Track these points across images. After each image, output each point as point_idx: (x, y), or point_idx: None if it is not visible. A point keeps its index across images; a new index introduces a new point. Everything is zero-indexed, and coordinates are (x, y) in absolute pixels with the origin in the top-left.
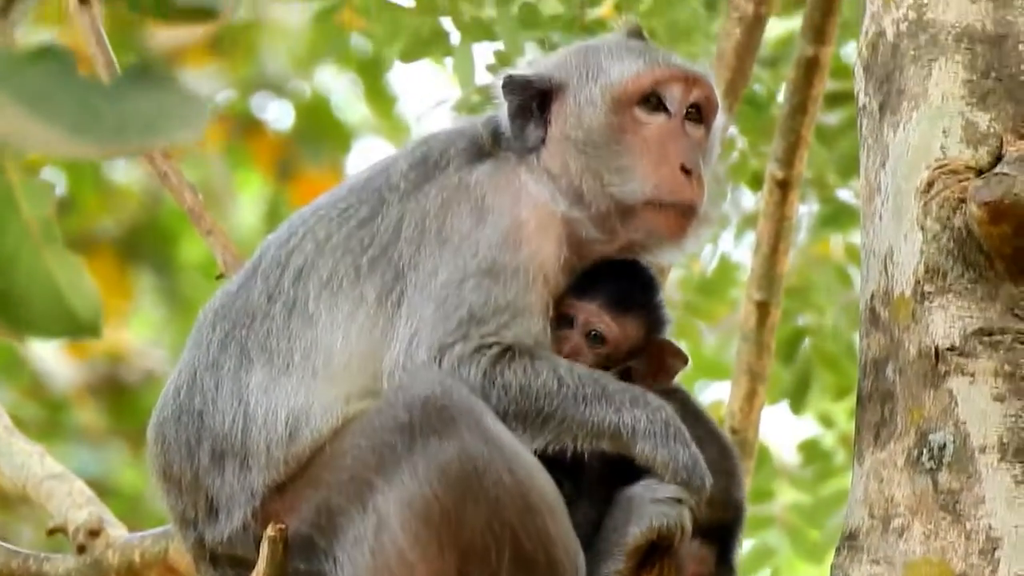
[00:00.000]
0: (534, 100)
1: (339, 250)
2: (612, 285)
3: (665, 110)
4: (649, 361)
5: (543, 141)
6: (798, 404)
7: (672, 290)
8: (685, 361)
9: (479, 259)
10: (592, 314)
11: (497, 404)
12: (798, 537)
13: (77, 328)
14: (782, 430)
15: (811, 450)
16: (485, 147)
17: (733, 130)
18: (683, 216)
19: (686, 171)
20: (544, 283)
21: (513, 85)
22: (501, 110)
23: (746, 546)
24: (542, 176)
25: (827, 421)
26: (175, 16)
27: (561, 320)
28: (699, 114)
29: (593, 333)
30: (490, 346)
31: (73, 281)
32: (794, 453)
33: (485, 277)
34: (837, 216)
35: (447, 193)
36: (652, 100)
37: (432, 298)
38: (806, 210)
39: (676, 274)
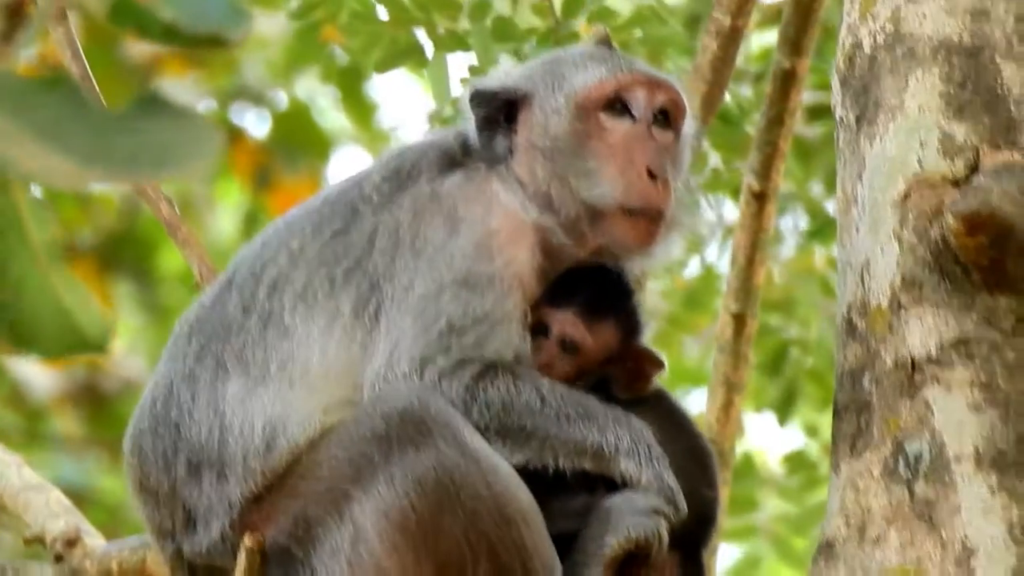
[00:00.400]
0: (501, 111)
1: (313, 262)
2: (586, 292)
3: (631, 115)
4: (625, 368)
5: (511, 150)
6: (784, 416)
7: (655, 300)
8: (661, 366)
9: (454, 270)
10: (566, 323)
11: (479, 420)
12: (783, 546)
13: (85, 345)
14: (768, 439)
15: (796, 460)
16: (456, 158)
17: (706, 144)
18: (651, 221)
19: (652, 175)
20: (520, 290)
21: (479, 97)
22: (470, 122)
23: (732, 555)
24: (512, 185)
25: (812, 431)
26: (185, 43)
27: (535, 329)
28: (667, 119)
29: (567, 342)
30: (472, 361)
31: (79, 300)
32: (779, 463)
33: (461, 288)
34: (823, 229)
35: (419, 204)
36: (617, 106)
37: (410, 310)
38: (791, 223)
39: (659, 284)
